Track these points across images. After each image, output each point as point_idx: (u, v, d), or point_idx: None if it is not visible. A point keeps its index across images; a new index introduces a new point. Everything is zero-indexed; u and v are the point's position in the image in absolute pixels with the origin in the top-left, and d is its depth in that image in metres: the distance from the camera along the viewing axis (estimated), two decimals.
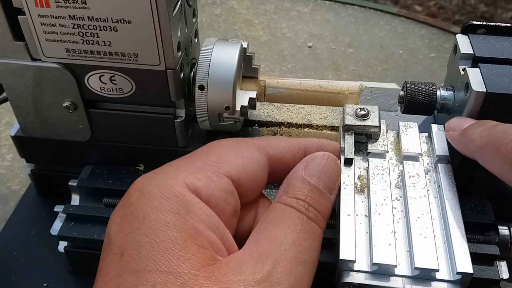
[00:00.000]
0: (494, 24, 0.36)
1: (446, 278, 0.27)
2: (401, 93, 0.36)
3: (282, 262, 0.24)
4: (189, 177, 0.25)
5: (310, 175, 0.27)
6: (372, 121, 0.33)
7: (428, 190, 0.30)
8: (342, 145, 0.32)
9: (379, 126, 0.33)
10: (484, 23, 0.36)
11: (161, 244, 0.22)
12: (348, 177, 0.31)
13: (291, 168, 0.28)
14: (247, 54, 0.36)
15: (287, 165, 0.29)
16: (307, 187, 0.27)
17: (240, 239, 0.27)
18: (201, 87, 0.34)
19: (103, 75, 0.34)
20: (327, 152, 0.29)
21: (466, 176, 0.35)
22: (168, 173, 0.25)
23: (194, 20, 0.37)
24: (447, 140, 0.33)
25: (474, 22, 0.36)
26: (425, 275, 0.27)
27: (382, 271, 0.27)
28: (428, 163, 0.32)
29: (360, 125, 0.33)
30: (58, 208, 0.38)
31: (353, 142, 0.32)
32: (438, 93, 0.36)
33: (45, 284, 0.39)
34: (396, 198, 0.30)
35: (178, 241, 0.23)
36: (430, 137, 0.34)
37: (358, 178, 0.31)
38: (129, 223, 0.24)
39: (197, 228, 0.23)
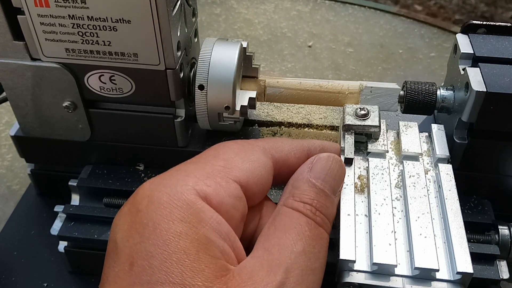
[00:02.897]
0: (494, 23, 0.36)
1: (446, 278, 0.27)
2: (401, 92, 0.36)
3: (294, 272, 0.24)
4: (199, 184, 0.24)
5: (315, 178, 0.27)
6: (372, 120, 0.33)
7: (428, 190, 0.30)
8: (342, 145, 0.32)
9: (379, 126, 0.33)
10: (484, 22, 0.36)
11: (173, 255, 0.22)
12: (348, 177, 0.31)
13: (294, 171, 0.28)
14: (247, 53, 0.36)
15: (291, 167, 0.28)
16: (314, 190, 0.27)
17: (245, 242, 0.27)
18: (201, 87, 0.34)
19: (103, 75, 0.34)
20: (332, 154, 0.29)
21: (466, 176, 0.35)
22: (177, 179, 0.25)
23: (193, 19, 0.37)
24: (447, 139, 0.33)
25: (474, 22, 0.36)
26: (425, 275, 0.27)
27: (382, 271, 0.27)
28: (428, 163, 0.32)
29: (360, 125, 0.33)
30: (58, 208, 0.38)
31: (353, 142, 0.32)
32: (438, 92, 0.35)
33: (45, 284, 0.39)
34: (396, 198, 0.30)
35: (190, 252, 0.22)
36: (430, 137, 0.34)
37: (358, 178, 0.31)
38: (138, 231, 0.23)
39: (209, 237, 0.23)
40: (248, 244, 0.26)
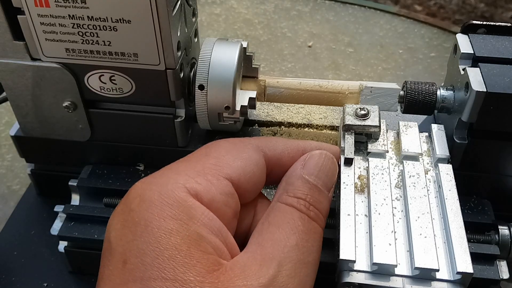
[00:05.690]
0: (494, 23, 0.36)
1: (446, 278, 0.27)
2: (401, 92, 0.36)
3: (287, 265, 0.24)
4: (190, 182, 0.25)
5: (308, 174, 0.27)
6: (372, 120, 0.33)
7: (428, 190, 0.30)
8: (342, 145, 0.32)
9: (379, 126, 0.33)
10: (484, 22, 0.36)
11: (165, 252, 0.22)
12: (348, 177, 0.31)
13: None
14: (247, 53, 0.36)
15: (285, 167, 0.29)
16: (307, 185, 0.27)
17: (240, 238, 0.27)
18: (201, 87, 0.34)
19: (103, 75, 0.34)
20: (324, 151, 0.29)
21: (466, 176, 0.35)
22: (168, 177, 0.25)
23: (194, 19, 0.37)
24: (447, 139, 0.33)
25: (474, 22, 0.36)
26: (425, 275, 0.27)
27: (382, 271, 0.27)
28: (428, 163, 0.32)
29: (360, 125, 0.33)
30: (58, 208, 0.38)
31: (353, 142, 0.32)
32: (438, 92, 0.35)
33: (45, 284, 0.39)
34: (396, 198, 0.30)
35: (182, 248, 0.22)
36: (430, 137, 0.34)
37: (358, 178, 0.31)
38: (130, 230, 0.23)
39: (200, 233, 0.23)
40: (243, 241, 0.27)
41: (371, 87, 0.36)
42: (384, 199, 0.30)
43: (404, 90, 0.36)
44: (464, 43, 0.35)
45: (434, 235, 0.28)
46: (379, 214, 0.29)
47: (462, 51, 0.34)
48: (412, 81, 0.36)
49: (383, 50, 0.67)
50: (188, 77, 0.36)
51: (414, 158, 0.32)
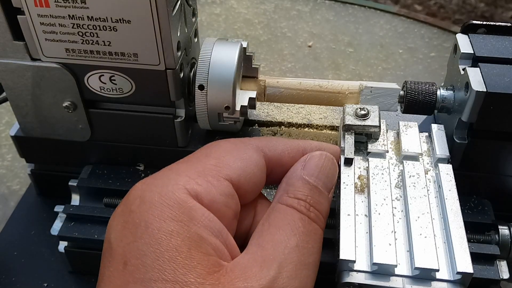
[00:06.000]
0: (494, 23, 0.36)
1: (446, 278, 0.27)
2: (401, 92, 0.36)
3: (287, 267, 0.24)
4: (190, 183, 0.25)
5: (309, 175, 0.27)
6: (372, 121, 0.33)
7: (428, 190, 0.30)
8: (342, 145, 0.32)
9: (379, 126, 0.33)
10: (484, 22, 0.36)
11: (166, 253, 0.22)
12: (348, 177, 0.31)
13: (288, 170, 0.28)
14: (247, 53, 0.36)
15: (285, 167, 0.28)
16: (307, 186, 0.27)
17: (240, 239, 0.27)
18: (201, 87, 0.34)
19: (103, 75, 0.34)
20: (324, 152, 0.29)
21: (466, 176, 0.35)
22: (169, 178, 0.25)
23: (193, 19, 0.37)
24: (447, 139, 0.33)
25: (474, 22, 0.36)
26: (425, 275, 0.27)
27: (382, 271, 0.27)
28: (428, 163, 0.32)
29: (360, 125, 0.33)
30: (58, 208, 0.38)
31: (353, 142, 0.32)
32: (438, 92, 0.35)
33: (45, 284, 0.39)
34: (396, 198, 0.30)
35: (182, 250, 0.22)
36: (430, 136, 0.34)
37: (358, 178, 0.31)
38: (131, 231, 0.23)
39: (201, 235, 0.23)
40: (243, 242, 0.27)
41: (371, 87, 0.36)
42: (384, 199, 0.30)
43: (404, 90, 0.36)
44: (464, 43, 0.35)
45: (434, 235, 0.28)
46: (379, 214, 0.29)
47: (462, 51, 0.34)
48: (412, 81, 0.36)
49: (383, 50, 0.67)
50: (188, 77, 0.36)
51: (414, 158, 0.32)
